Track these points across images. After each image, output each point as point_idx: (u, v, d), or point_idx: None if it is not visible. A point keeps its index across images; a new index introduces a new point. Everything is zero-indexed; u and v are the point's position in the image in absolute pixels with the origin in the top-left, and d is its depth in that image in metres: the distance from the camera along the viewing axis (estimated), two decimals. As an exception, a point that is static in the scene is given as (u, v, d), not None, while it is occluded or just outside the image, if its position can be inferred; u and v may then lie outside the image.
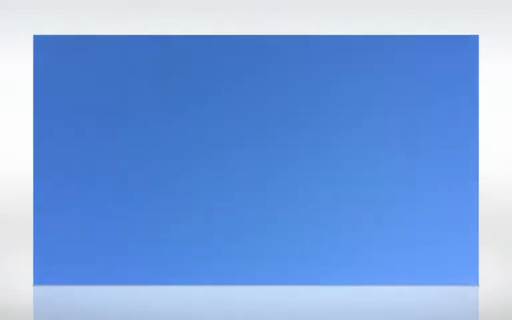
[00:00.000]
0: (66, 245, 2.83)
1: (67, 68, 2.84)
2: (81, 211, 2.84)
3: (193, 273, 2.83)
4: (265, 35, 2.87)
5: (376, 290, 2.79)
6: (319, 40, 2.85)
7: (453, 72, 2.84)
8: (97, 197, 2.84)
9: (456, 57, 2.84)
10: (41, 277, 2.83)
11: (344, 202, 2.84)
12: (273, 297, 2.70)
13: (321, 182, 2.84)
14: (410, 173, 2.84)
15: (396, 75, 2.84)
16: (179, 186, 2.84)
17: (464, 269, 2.83)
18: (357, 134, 2.84)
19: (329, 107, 2.85)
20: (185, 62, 2.84)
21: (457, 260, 2.83)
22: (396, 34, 3.10)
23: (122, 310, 2.52)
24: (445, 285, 2.83)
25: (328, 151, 2.84)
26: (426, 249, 2.83)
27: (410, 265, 2.83)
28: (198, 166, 2.85)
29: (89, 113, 2.84)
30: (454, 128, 2.84)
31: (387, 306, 2.59)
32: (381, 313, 2.50)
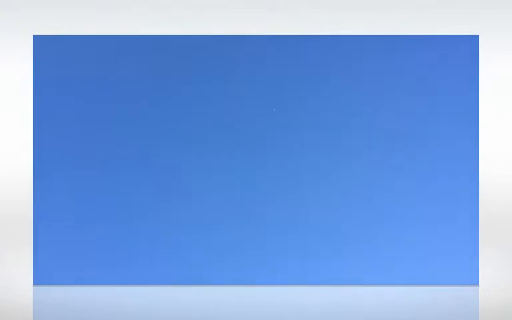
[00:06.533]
0: (66, 245, 2.83)
1: (67, 68, 2.85)
2: (80, 211, 2.84)
3: (193, 273, 2.83)
4: (265, 35, 2.87)
5: (376, 290, 2.79)
6: (319, 40, 2.85)
7: (453, 72, 2.84)
8: (97, 197, 2.84)
9: (456, 57, 2.84)
10: (41, 277, 2.83)
11: (344, 202, 2.84)
12: (273, 297, 2.70)
13: (321, 182, 2.84)
14: (410, 172, 2.84)
15: (396, 74, 2.84)
16: (179, 186, 2.84)
17: (464, 269, 2.83)
18: (357, 134, 2.84)
19: (328, 107, 2.85)
20: (185, 62, 2.84)
21: (457, 260, 2.83)
22: (396, 34, 3.10)
23: (122, 310, 2.52)
24: (445, 285, 2.83)
25: (328, 151, 2.84)
26: (426, 248, 2.83)
27: (410, 265, 2.83)
28: (198, 166, 2.85)
29: (89, 113, 2.84)
30: (454, 128, 2.84)
31: (387, 306, 2.59)
32: (381, 313, 2.50)
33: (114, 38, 2.85)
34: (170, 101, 2.84)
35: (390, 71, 2.84)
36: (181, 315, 2.47)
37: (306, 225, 2.84)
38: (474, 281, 2.83)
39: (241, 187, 2.84)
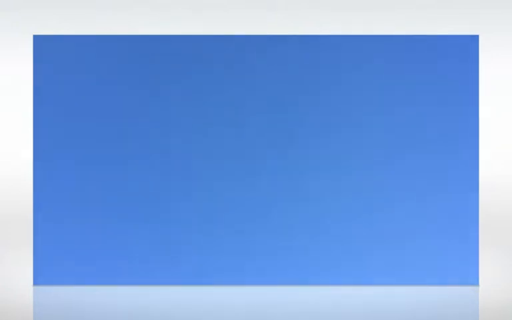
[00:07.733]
0: (66, 245, 2.83)
1: (66, 68, 2.85)
2: (80, 211, 2.84)
3: (193, 273, 2.84)
4: (265, 35, 2.87)
5: (376, 290, 2.79)
6: (319, 40, 2.85)
7: (453, 72, 2.84)
8: (97, 197, 2.84)
9: (456, 57, 2.84)
10: (41, 277, 2.83)
11: (344, 202, 2.84)
12: (273, 297, 2.70)
13: (321, 182, 2.84)
14: (410, 173, 2.84)
15: (396, 74, 2.84)
16: (179, 186, 2.84)
17: (464, 269, 2.83)
18: (357, 134, 2.85)
19: (328, 108, 2.85)
20: (185, 62, 2.84)
21: (457, 260, 2.83)
22: (396, 34, 3.10)
23: (122, 310, 2.52)
24: (445, 285, 2.83)
25: (328, 151, 2.85)
26: (426, 249, 2.83)
27: (410, 265, 2.83)
28: (198, 166, 2.85)
29: (89, 113, 2.84)
30: (454, 128, 2.84)
31: (387, 306, 2.59)
32: (381, 313, 2.50)
33: (114, 38, 2.85)
34: (170, 101, 2.85)
35: (390, 71, 2.85)
36: (180, 315, 2.47)
37: (306, 226, 2.84)
38: (474, 281, 2.83)
39: (241, 187, 2.84)
